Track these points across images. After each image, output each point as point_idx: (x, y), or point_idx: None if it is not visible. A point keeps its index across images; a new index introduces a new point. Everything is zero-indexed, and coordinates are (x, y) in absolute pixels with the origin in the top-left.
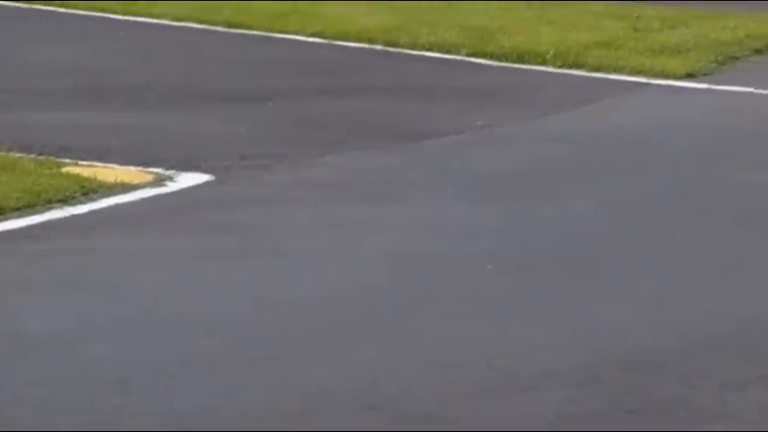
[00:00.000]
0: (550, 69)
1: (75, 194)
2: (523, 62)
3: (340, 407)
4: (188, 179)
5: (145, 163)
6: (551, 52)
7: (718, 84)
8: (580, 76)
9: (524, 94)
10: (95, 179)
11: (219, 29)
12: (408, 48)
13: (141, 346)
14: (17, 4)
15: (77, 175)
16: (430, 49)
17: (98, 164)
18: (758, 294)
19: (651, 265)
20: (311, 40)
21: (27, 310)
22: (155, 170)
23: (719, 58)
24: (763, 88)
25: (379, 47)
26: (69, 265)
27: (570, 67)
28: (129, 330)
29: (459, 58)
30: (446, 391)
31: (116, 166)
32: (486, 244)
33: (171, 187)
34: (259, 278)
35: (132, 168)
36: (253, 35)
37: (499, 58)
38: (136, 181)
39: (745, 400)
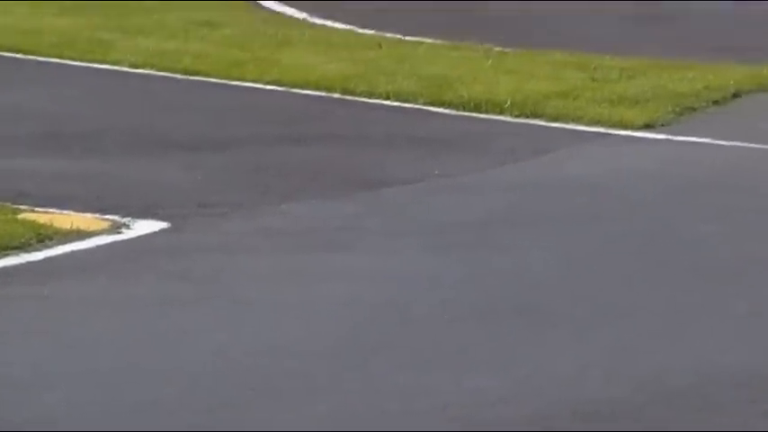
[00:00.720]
0: (508, 119)
1: (31, 241)
2: (481, 111)
3: None
4: (144, 226)
5: (101, 210)
6: (509, 102)
7: (676, 134)
8: (538, 126)
9: (482, 144)
10: (51, 226)
11: (178, 76)
12: (366, 96)
13: (96, 394)
14: None
15: (33, 221)
16: (388, 98)
17: (54, 210)
18: (715, 346)
19: (608, 315)
20: (269, 87)
21: None
22: (111, 217)
23: (678, 108)
24: (721, 139)
25: (336, 95)
26: (24, 313)
27: (528, 116)
28: (85, 378)
29: (416, 106)
30: None
31: (72, 213)
32: (444, 293)
33: (127, 234)
34: (215, 326)
35: (89, 215)
36: (211, 82)
37: (457, 107)
38: (92, 228)
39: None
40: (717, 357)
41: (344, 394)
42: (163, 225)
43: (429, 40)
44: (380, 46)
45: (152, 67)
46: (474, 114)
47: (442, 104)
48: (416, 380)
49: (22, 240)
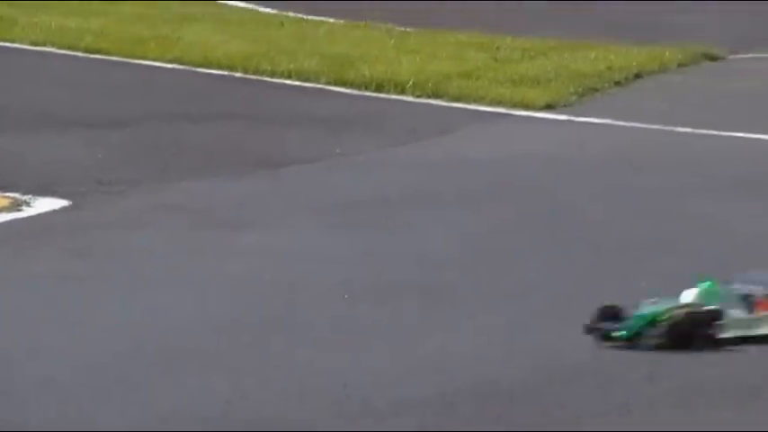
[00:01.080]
0: (410, 99)
1: None
2: (383, 91)
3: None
4: (44, 204)
5: (1, 188)
6: (411, 81)
7: (577, 115)
8: (439, 106)
9: (383, 123)
10: None
11: (78, 54)
12: (268, 75)
13: None
14: None
15: None
16: (289, 77)
17: None
18: None
19: (507, 294)
20: (170, 66)
21: None
22: (11, 195)
23: (580, 89)
24: (622, 120)
25: (238, 74)
26: None
27: (430, 96)
28: None
29: (318, 86)
30: (300, 419)
31: None
32: (343, 272)
33: (27, 212)
34: (115, 304)
35: None
36: (112, 60)
37: (359, 87)
38: None
39: (602, 429)
40: None
41: (243, 372)
42: (63, 203)
43: (331, 20)
44: (282, 24)
45: (52, 44)
46: (376, 94)
47: (343, 84)
48: (315, 358)
49: None
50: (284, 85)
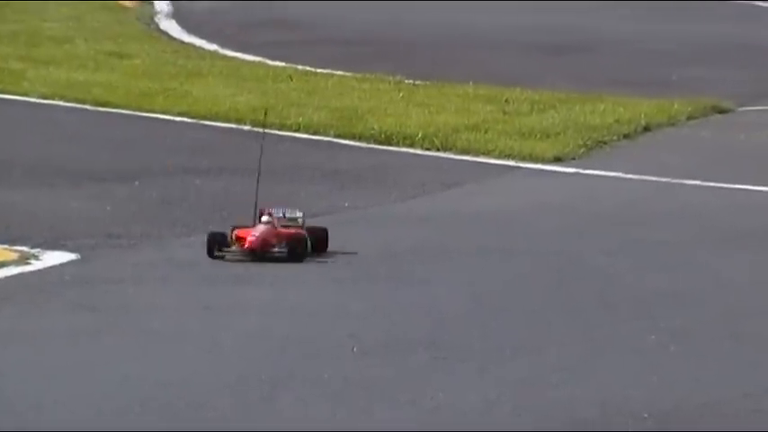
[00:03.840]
0: (419, 152)
1: None
2: (392, 144)
3: None
4: (53, 257)
5: (10, 241)
6: (420, 134)
7: (585, 168)
8: (448, 159)
9: (392, 177)
10: None
11: (87, 107)
12: (276, 128)
13: (2, 424)
14: None
15: None
16: (298, 130)
17: None
18: (621, 379)
19: (516, 349)
20: (179, 119)
21: None
22: (19, 248)
23: (588, 142)
24: (630, 173)
25: (246, 127)
26: None
27: (438, 149)
28: None
29: (327, 138)
30: None
31: None
32: (351, 326)
33: (36, 265)
34: (123, 358)
35: None
36: (120, 113)
37: (367, 140)
38: (0, 259)
39: None
40: (622, 390)
41: (252, 427)
42: (71, 256)
43: (339, 72)
44: (291, 78)
45: (61, 98)
46: (384, 147)
47: (352, 137)
48: (324, 413)
49: None
50: (293, 138)
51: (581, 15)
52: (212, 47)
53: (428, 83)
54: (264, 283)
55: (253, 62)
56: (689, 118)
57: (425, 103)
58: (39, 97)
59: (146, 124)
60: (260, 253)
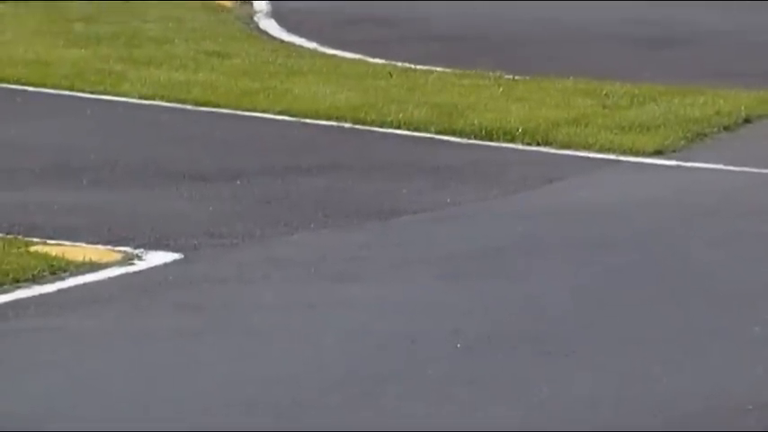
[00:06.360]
0: (519, 146)
1: (44, 273)
2: (492, 139)
3: None
4: (156, 258)
5: (113, 242)
6: (520, 129)
7: (686, 161)
8: (549, 154)
9: (493, 172)
10: (64, 258)
11: (187, 107)
12: (377, 125)
13: (109, 427)
14: None
15: (46, 253)
16: (398, 127)
17: (66, 243)
18: (727, 372)
19: (620, 342)
20: (279, 117)
21: None
22: (123, 249)
23: (689, 134)
24: (732, 165)
25: (347, 125)
26: (37, 345)
27: (539, 144)
28: (97, 412)
29: (427, 135)
30: None
31: (84, 245)
32: (455, 322)
33: (139, 266)
34: (228, 357)
35: (100, 247)
36: (220, 113)
37: (468, 136)
38: (104, 260)
39: None
40: (729, 383)
41: (357, 425)
42: (174, 256)
43: (439, 69)
44: (391, 75)
45: (161, 98)
46: (485, 143)
47: (452, 133)
48: (428, 410)
49: (35, 273)
50: (393, 135)
51: (679, 8)
52: (311, 45)
53: (527, 78)
54: (367, 280)
55: (352, 59)
56: None
57: (525, 98)
58: (139, 98)
59: (246, 123)
60: None
